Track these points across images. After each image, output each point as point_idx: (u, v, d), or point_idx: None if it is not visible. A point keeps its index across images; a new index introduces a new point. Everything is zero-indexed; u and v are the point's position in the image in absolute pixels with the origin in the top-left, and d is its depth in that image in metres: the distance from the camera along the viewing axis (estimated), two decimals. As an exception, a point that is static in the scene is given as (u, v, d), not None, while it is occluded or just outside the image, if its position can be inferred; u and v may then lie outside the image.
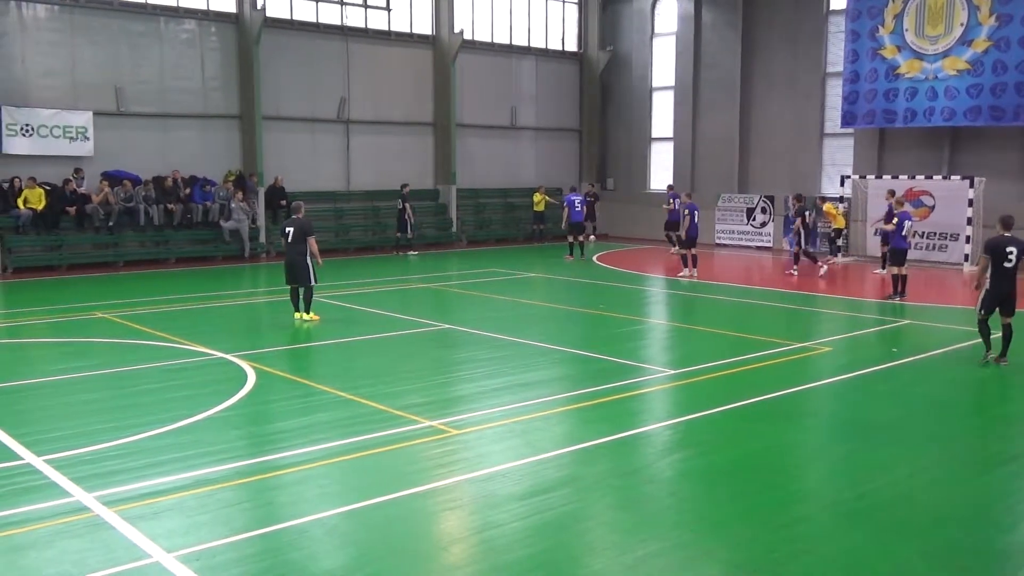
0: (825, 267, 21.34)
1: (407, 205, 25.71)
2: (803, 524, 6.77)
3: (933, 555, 6.15)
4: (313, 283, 14.61)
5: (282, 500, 7.15)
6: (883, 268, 20.13)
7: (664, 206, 26.75)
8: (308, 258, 14.43)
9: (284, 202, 24.29)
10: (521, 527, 6.54)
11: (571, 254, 24.56)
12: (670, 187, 28.46)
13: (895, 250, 17.58)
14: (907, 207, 18.84)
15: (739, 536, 6.47)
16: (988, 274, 11.47)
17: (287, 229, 14.60)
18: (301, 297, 14.63)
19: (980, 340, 11.91)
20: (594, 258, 25.37)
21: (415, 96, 28.78)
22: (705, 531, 6.61)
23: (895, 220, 17.62)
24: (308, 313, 14.61)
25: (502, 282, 20.53)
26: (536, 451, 8.25)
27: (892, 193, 20.65)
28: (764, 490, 7.44)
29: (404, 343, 13.60)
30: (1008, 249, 11.32)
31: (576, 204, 24.84)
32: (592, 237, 29.85)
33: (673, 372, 11.57)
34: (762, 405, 9.96)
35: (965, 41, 23.54)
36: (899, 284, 17.59)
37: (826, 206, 25.02)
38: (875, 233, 19.34)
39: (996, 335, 11.84)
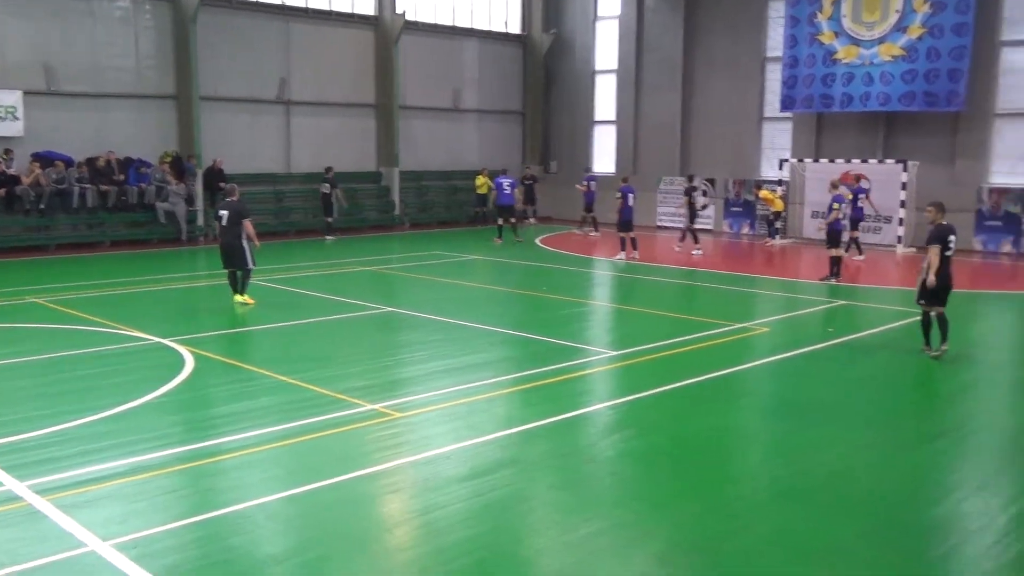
0: (679, 247, 21.46)
1: (336, 189, 25.33)
2: (741, 503, 6.91)
3: (866, 532, 6.32)
4: (251, 266, 14.46)
5: (222, 486, 7.08)
6: (859, 254, 21.37)
7: (578, 186, 27.54)
8: (244, 241, 14.27)
9: (223, 184, 23.78)
10: (464, 508, 6.57)
11: (500, 237, 24.60)
12: (587, 169, 29.31)
13: (832, 232, 17.89)
14: (842, 189, 19.21)
15: (678, 515, 6.58)
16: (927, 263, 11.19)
17: (221, 212, 14.41)
18: (239, 279, 14.48)
19: (915, 319, 12.15)
20: (537, 240, 25.45)
21: (357, 77, 28.47)
22: (645, 510, 6.71)
23: (835, 205, 17.88)
24: (243, 295, 14.45)
25: (445, 265, 20.49)
26: (478, 433, 8.29)
27: (857, 178, 21.25)
28: (703, 469, 7.57)
29: (346, 326, 13.52)
30: (951, 237, 11.19)
31: (504, 187, 24.88)
32: (532, 220, 29.98)
33: (614, 353, 11.69)
34: (701, 385, 10.12)
35: (900, 27, 24.04)
36: (835, 266, 17.94)
37: (762, 192, 25.57)
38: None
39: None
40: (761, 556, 5.96)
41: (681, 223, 23.30)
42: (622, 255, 21.21)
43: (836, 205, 17.77)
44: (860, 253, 21.36)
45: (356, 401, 9.19)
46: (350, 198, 26.91)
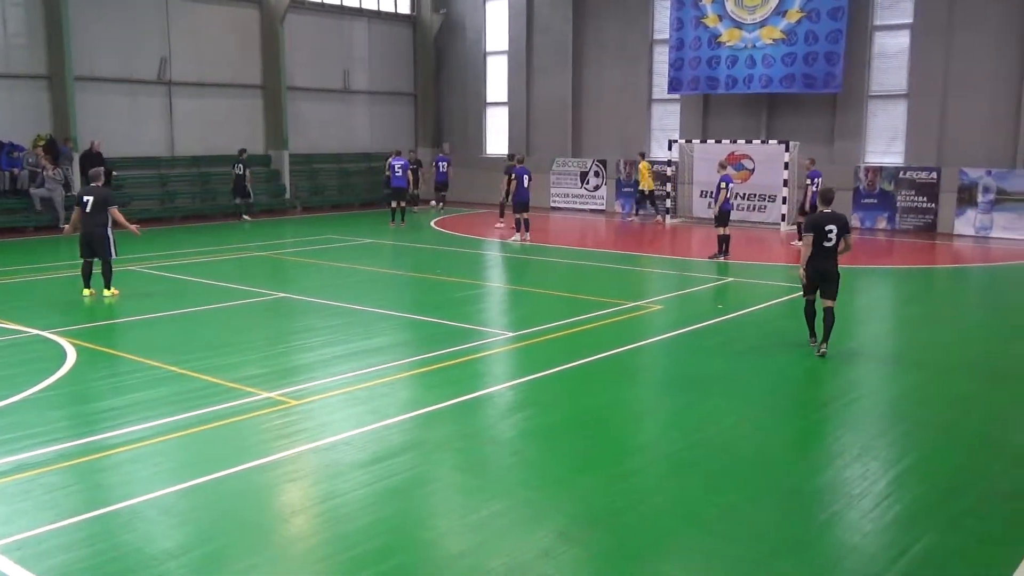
0: (515, 236, 21.27)
1: (248, 171, 25.54)
2: (638, 475, 7.10)
3: (757, 498, 6.58)
4: (113, 256, 13.90)
5: (112, 481, 6.85)
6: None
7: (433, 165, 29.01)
8: (108, 230, 13.73)
9: (103, 169, 22.88)
10: (365, 494, 6.54)
11: (394, 220, 24.42)
12: (441, 149, 30.46)
13: (721, 211, 18.39)
14: (730, 170, 19.74)
15: (579, 490, 6.71)
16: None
17: (85, 198, 13.70)
18: (100, 272, 13.84)
19: (797, 294, 12.52)
20: (431, 223, 25.37)
21: (242, 57, 27.70)
22: (547, 487, 6.81)
23: (723, 185, 18.30)
24: (109, 289, 13.87)
25: (339, 249, 20.24)
26: (379, 418, 8.26)
27: (812, 162, 20.60)
28: (602, 445, 7.73)
29: (238, 314, 13.22)
30: (827, 227, 10.52)
31: (396, 169, 24.69)
32: (434, 203, 29.71)
33: (512, 334, 11.79)
34: (598, 363, 10.31)
35: (780, 11, 24.81)
36: (723, 244, 18.48)
37: (641, 164, 26.02)
38: (802, 203, 20.12)
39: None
40: (658, 524, 6.15)
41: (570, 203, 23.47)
42: (517, 236, 21.31)
43: (723, 185, 18.27)
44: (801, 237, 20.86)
45: (251, 389, 9.02)
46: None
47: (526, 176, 21.42)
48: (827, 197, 10.85)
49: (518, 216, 21.39)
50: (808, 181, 20.18)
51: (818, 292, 10.84)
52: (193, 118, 26.64)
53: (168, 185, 26.12)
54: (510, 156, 24.28)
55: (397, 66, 32.48)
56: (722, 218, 18.38)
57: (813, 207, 19.78)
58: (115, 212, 13.78)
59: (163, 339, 11.63)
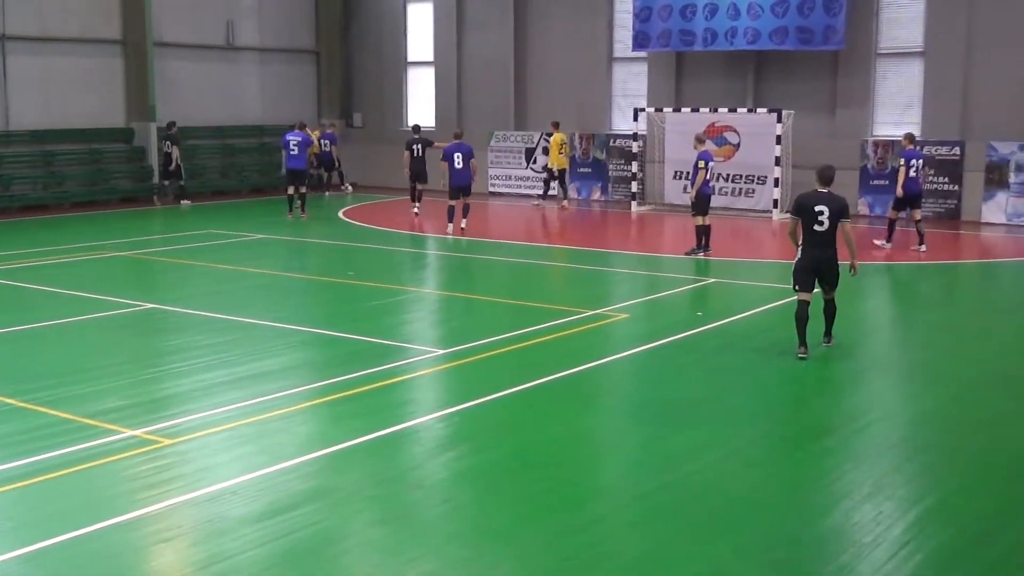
0: (449, 228, 21.20)
1: (176, 147, 26.68)
2: (602, 524, 7.13)
3: (747, 548, 6.65)
4: None
5: (-70, 547, 6.70)
6: (921, 243, 19.15)
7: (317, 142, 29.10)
8: None
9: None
10: (258, 556, 6.48)
11: (291, 210, 24.17)
12: (324, 123, 30.78)
13: (699, 196, 18.53)
14: (709, 145, 19.95)
15: (528, 545, 6.72)
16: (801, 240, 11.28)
17: None
18: None
19: (795, 298, 12.71)
20: (340, 213, 25.26)
21: (96, 5, 27.27)
22: (487, 542, 6.82)
23: (701, 164, 18.43)
24: None
25: (223, 247, 20.07)
26: (274, 459, 8.20)
27: (910, 139, 19.68)
28: (556, 488, 7.76)
29: (94, 330, 13.05)
30: (818, 208, 10.97)
31: (291, 146, 24.36)
32: (348, 187, 29.67)
33: (443, 352, 11.79)
34: (550, 387, 10.34)
35: (769, -51, 25.13)
36: (702, 236, 18.66)
37: (554, 136, 26.34)
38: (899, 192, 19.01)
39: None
40: (627, 588, 6.19)
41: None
42: (450, 228, 21.03)
43: (702, 164, 18.43)
44: (922, 242, 19.09)
45: (110, 427, 8.90)
46: (95, 161, 27.09)
47: (458, 155, 21.11)
48: (824, 176, 11.23)
49: (452, 203, 21.07)
50: (901, 162, 19.18)
51: (814, 290, 11.24)
52: (32, 82, 26.14)
53: (0, 167, 25.62)
54: (415, 129, 24.88)
55: (295, 16, 32.28)
56: (701, 205, 18.55)
57: (906, 198, 18.92)
58: None
59: (-4, 364, 11.42)
